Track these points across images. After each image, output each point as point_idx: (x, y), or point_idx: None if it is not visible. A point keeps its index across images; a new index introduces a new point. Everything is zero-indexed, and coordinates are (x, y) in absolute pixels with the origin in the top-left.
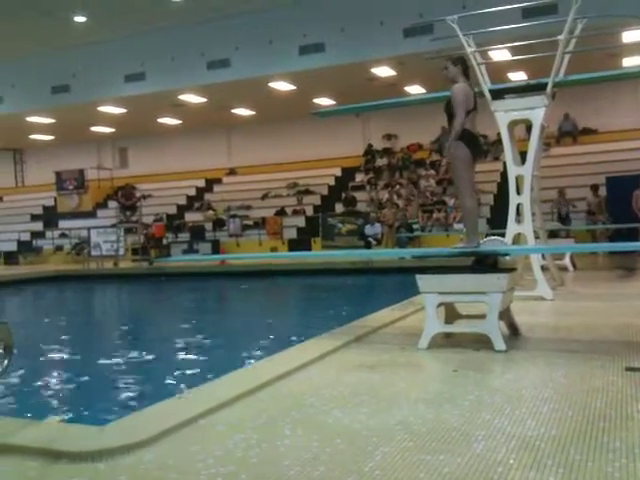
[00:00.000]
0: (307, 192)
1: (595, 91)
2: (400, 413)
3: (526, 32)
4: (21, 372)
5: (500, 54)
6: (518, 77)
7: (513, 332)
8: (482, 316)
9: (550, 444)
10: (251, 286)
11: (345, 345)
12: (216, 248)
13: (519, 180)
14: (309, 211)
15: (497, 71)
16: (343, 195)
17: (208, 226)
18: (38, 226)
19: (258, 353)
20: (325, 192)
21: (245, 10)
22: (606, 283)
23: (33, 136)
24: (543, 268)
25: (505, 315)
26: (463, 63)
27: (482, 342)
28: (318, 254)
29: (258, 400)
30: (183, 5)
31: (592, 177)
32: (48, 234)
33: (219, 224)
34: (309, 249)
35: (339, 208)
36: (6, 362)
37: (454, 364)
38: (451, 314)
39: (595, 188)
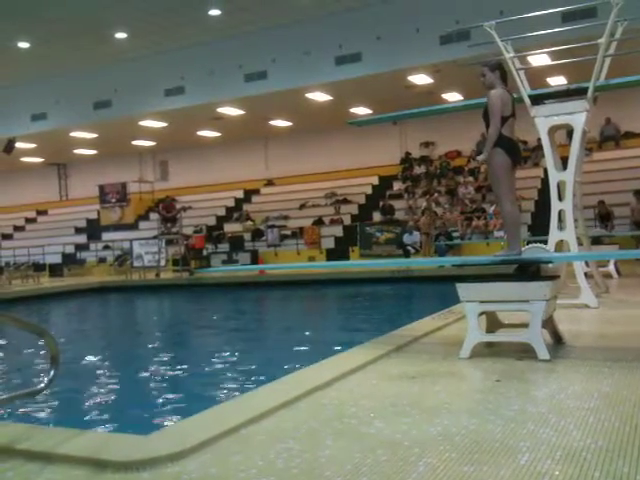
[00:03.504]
0: (345, 201)
1: (637, 94)
2: (442, 424)
3: (565, 36)
4: (67, 382)
5: (539, 59)
6: (558, 82)
7: (557, 341)
8: (525, 325)
9: (597, 455)
10: (290, 295)
11: (386, 354)
12: (255, 258)
13: (561, 186)
14: (347, 220)
15: (536, 76)
16: (381, 204)
17: (247, 236)
18: (82, 238)
19: (298, 362)
20: (363, 201)
21: (281, 22)
22: None
23: (77, 151)
24: (587, 275)
25: (548, 323)
26: (501, 69)
27: (525, 351)
28: (356, 263)
29: (299, 410)
30: (221, 19)
31: (636, 182)
32: (92, 246)
33: (258, 234)
34: (347, 258)
35: (377, 217)
36: (52, 373)
37: (497, 374)
38: (493, 323)
39: (638, 193)
